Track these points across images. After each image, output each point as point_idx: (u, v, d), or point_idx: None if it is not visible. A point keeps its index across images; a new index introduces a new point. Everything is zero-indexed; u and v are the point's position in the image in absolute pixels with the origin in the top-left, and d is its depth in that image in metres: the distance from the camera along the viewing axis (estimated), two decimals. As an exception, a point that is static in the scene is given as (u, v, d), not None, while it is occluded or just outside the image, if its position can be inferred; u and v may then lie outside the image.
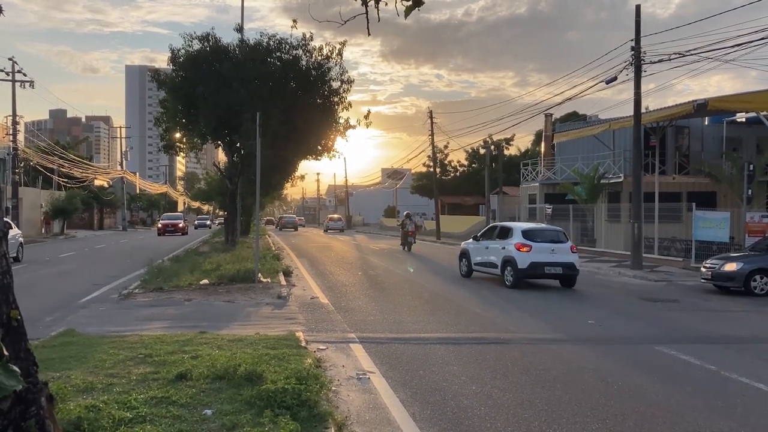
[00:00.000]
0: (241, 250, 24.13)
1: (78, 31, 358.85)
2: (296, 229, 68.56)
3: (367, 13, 3.44)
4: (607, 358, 9.01)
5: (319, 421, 5.60)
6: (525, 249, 17.22)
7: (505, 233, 18.37)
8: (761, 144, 31.97)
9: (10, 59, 43.99)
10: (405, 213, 36.32)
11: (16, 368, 2.61)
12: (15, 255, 23.52)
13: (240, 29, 25.28)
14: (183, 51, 24.04)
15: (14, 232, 24.21)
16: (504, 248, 17.83)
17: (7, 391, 2.54)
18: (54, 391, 3.39)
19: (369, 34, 3.53)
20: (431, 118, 49.09)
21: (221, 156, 38.36)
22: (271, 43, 24.00)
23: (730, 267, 16.53)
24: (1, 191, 3.06)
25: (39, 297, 14.42)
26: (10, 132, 44.42)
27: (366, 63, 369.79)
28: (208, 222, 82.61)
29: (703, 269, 17.52)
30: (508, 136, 60.94)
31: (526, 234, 17.72)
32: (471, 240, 20.49)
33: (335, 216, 69.84)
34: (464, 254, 20.38)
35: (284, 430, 5.04)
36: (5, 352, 2.60)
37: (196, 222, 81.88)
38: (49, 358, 7.46)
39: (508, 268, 17.43)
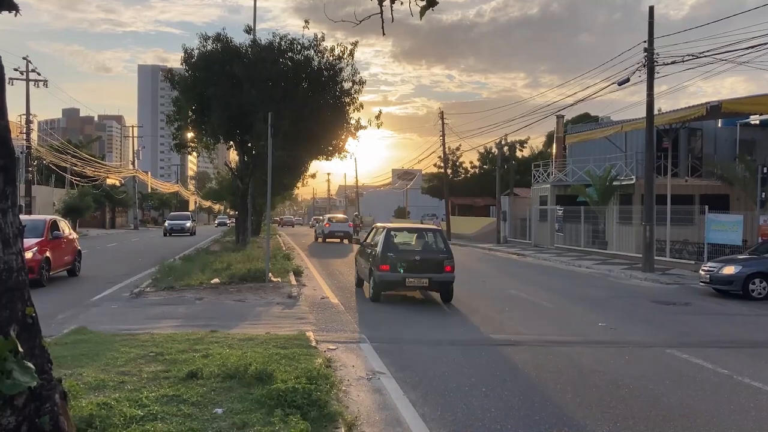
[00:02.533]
0: (251, 250, 24.19)
1: (91, 31, 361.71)
2: (293, 226, 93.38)
3: (381, 13, 3.44)
4: (618, 361, 8.97)
5: (329, 421, 5.60)
6: (327, 225, 42.81)
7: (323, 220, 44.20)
8: (775, 147, 31.70)
9: (24, 58, 44.43)
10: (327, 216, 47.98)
11: (31, 365, 2.63)
12: None
13: (252, 30, 25.37)
14: (196, 51, 24.15)
15: None
16: (321, 225, 43.99)
17: (22, 388, 2.56)
18: (66, 389, 3.41)
19: (384, 34, 3.53)
20: (442, 118, 49.05)
21: (233, 156, 38.48)
22: (283, 43, 24.05)
23: (729, 270, 16.41)
24: (16, 189, 3.08)
25: (51, 295, 14.51)
26: (24, 131, 44.78)
27: (377, 63, 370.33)
28: (189, 224, 51.80)
29: (702, 272, 17.43)
30: (522, 138, 60.77)
31: (329, 219, 44.51)
32: (317, 223, 49.86)
33: (335, 215, 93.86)
34: (316, 231, 46.72)
35: (294, 430, 5.05)
36: (20, 349, 2.62)
37: (167, 224, 52.63)
38: (61, 355, 7.50)
39: (322, 232, 42.87)
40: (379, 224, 16.72)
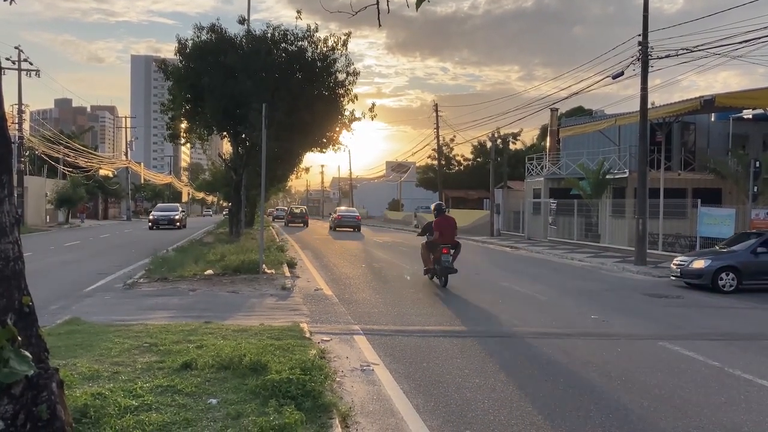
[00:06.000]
0: (245, 241, 24.15)
1: (83, 21, 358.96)
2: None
3: (378, 4, 3.44)
4: (610, 353, 9.02)
5: (324, 412, 5.63)
6: (275, 212, 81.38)
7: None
8: (768, 141, 31.87)
9: (16, 48, 44.12)
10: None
11: (28, 354, 2.63)
12: None
13: (246, 20, 25.23)
14: (190, 42, 24.03)
15: None
16: (272, 212, 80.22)
17: (19, 377, 2.56)
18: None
19: (380, 26, 3.53)
20: (436, 111, 49.03)
21: (226, 147, 38.35)
22: (276, 34, 23.95)
23: (698, 264, 16.61)
24: (12, 179, 3.07)
25: (44, 285, 14.46)
26: (16, 121, 44.50)
27: (371, 55, 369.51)
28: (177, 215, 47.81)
29: (673, 266, 17.62)
30: (515, 131, 60.81)
31: (276, 209, 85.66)
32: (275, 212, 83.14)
33: (279, 207, 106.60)
34: (272, 215, 76.01)
35: (289, 420, 5.07)
36: (18, 338, 2.62)
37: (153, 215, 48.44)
38: (55, 345, 7.47)
39: (272, 216, 74.02)
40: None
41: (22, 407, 2.64)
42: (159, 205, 53.59)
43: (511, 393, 6.89)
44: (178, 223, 45.76)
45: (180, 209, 49.32)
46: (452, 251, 15.59)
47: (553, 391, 6.98)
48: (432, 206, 17.36)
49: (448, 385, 7.15)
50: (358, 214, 49.39)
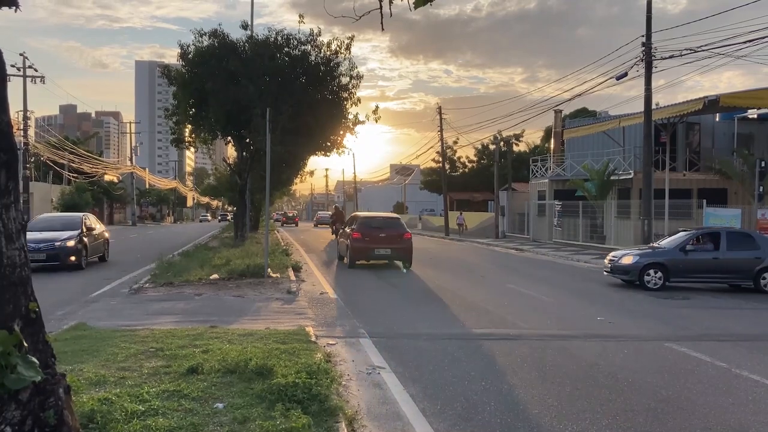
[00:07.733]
0: (250, 246, 24.17)
1: (88, 27, 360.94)
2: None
3: (381, 8, 3.44)
4: (616, 355, 9.00)
5: (330, 415, 5.62)
6: (274, 215, 74.73)
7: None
8: (773, 140, 31.76)
9: (21, 54, 44.30)
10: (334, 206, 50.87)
11: (35, 359, 2.64)
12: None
13: (248, 26, 25.27)
14: (193, 47, 24.08)
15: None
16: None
17: (27, 382, 2.57)
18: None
19: (383, 30, 3.54)
20: (440, 114, 48.98)
21: (231, 151, 38.39)
22: (279, 38, 23.97)
23: (627, 260, 16.79)
24: (18, 185, 3.08)
25: (50, 291, 14.50)
26: (21, 127, 44.68)
27: (374, 59, 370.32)
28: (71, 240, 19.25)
29: (606, 261, 17.72)
30: (518, 132, 60.72)
31: (277, 212, 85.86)
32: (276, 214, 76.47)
33: (279, 212, 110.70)
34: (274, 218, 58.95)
35: (296, 424, 5.07)
36: (24, 344, 2.63)
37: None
38: (61, 351, 7.49)
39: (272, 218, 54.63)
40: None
41: (29, 413, 2.65)
42: (40, 216, 24.91)
43: (518, 396, 6.87)
44: (72, 258, 19.44)
45: (85, 225, 21.19)
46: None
47: (559, 394, 6.96)
48: (333, 207, 37.88)
49: (455, 388, 7.14)
50: None
